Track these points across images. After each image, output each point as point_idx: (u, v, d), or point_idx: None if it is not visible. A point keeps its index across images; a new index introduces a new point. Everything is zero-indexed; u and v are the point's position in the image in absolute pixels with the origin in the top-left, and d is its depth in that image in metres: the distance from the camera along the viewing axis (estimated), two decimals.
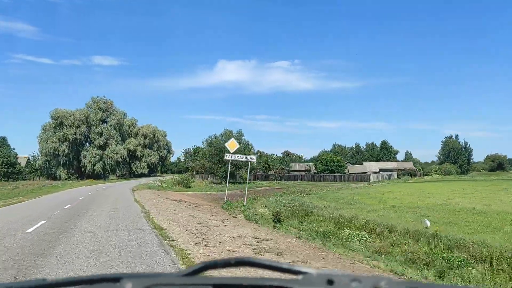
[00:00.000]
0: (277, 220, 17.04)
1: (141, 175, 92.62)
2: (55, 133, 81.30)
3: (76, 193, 33.74)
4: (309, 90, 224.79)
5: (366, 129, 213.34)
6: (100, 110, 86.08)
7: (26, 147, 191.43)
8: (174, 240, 10.72)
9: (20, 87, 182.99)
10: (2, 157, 75.14)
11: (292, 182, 75.85)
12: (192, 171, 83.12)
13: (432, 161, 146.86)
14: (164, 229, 12.58)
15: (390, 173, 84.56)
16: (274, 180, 79.92)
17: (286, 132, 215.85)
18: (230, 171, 65.98)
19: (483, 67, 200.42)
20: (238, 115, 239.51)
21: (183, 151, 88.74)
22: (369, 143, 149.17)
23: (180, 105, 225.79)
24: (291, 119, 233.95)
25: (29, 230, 12.36)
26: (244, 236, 11.84)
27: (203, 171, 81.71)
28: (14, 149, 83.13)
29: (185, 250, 9.46)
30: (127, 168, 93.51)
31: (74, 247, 9.69)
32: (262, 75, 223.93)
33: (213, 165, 67.72)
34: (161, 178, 79.72)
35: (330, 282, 0.80)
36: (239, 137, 68.89)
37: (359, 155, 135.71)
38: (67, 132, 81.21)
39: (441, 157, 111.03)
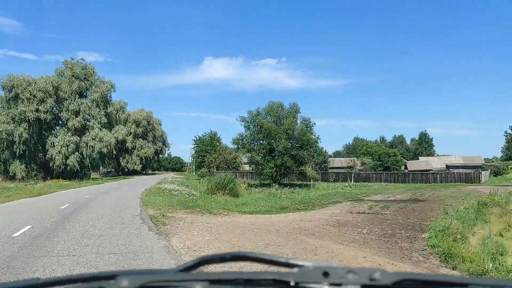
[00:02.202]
0: None
1: (133, 172, 65.90)
2: (8, 109, 53.89)
3: None
4: (296, 88, 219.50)
5: (352, 127, 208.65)
6: (76, 79, 58.75)
7: None
8: None
9: None
10: None
11: (364, 183, 50.18)
12: (209, 167, 56.87)
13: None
14: None
15: (483, 171, 60.03)
16: (336, 179, 54.29)
17: None
18: (284, 166, 40.62)
19: (465, 65, 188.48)
20: (224, 113, 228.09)
21: (195, 138, 62.80)
22: (397, 135, 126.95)
23: (166, 102, 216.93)
24: None
25: None
26: None
27: (227, 168, 55.41)
28: None
29: None
30: (114, 163, 66.22)
31: None
32: (249, 73, 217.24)
33: (257, 156, 41.66)
34: (160, 175, 53.71)
35: (326, 274, 0.78)
36: (294, 112, 42.98)
37: (393, 149, 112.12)
38: (25, 109, 53.71)
39: (507, 150, 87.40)
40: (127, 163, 66.37)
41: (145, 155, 68.01)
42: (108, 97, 61.85)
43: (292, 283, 0.79)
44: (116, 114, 63.89)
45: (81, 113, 58.51)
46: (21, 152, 54.43)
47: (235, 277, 0.81)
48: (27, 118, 54.08)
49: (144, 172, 69.88)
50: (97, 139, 58.08)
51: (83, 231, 10.51)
